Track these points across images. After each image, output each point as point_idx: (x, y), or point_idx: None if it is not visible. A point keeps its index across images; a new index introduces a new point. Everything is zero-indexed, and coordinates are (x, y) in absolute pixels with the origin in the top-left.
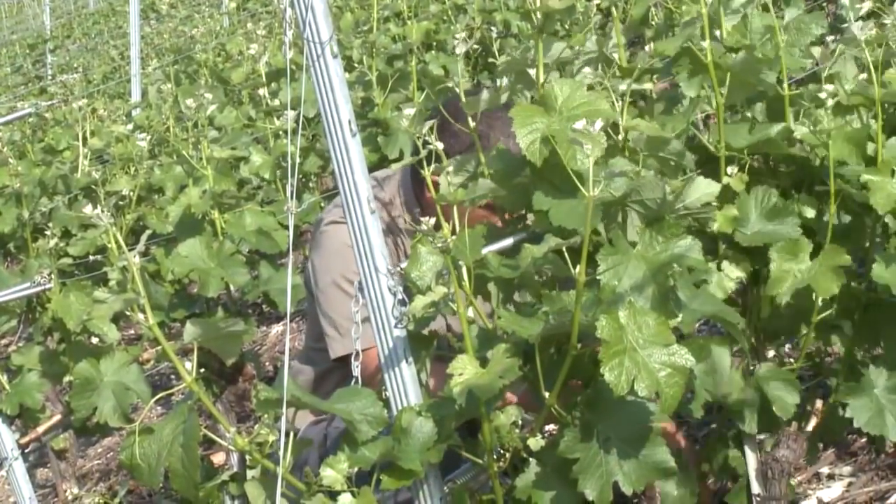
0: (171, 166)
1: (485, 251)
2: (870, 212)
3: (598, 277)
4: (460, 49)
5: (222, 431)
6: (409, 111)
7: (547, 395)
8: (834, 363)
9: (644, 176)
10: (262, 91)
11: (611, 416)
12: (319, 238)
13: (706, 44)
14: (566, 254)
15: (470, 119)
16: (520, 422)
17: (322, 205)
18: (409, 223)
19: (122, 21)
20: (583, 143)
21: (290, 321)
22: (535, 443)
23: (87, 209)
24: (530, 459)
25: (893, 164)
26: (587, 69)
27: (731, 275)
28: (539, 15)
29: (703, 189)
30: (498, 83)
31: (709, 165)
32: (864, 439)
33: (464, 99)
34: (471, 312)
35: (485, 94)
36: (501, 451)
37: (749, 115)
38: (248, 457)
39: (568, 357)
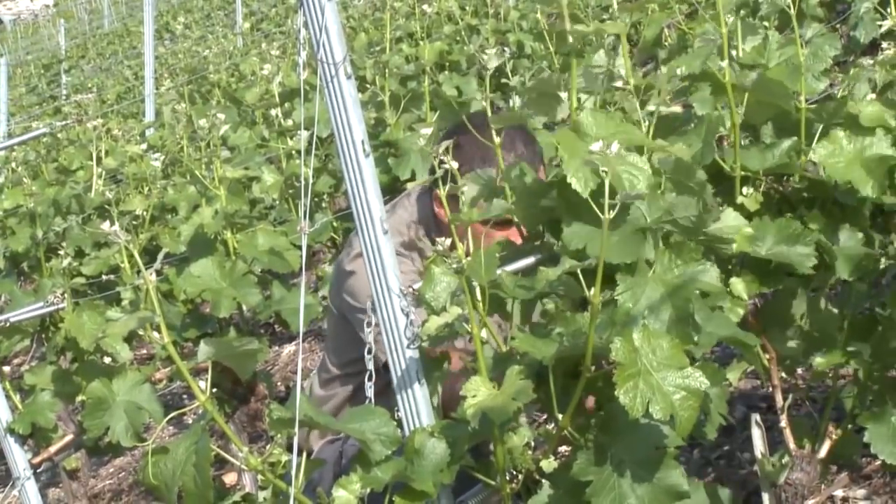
0: (184, 186)
1: (500, 271)
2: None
3: (615, 298)
4: (492, 63)
5: (235, 451)
6: (426, 131)
7: (560, 416)
8: (848, 385)
9: (674, 197)
10: (276, 111)
11: (624, 438)
12: (353, 276)
13: (724, 63)
14: (580, 275)
15: (494, 134)
16: (533, 443)
17: (334, 224)
18: (422, 240)
19: (136, 41)
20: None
21: (303, 341)
22: (548, 465)
23: (105, 226)
24: (543, 481)
25: None
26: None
27: (743, 294)
28: (572, 38)
29: (730, 221)
30: (511, 103)
31: (723, 185)
32: (878, 462)
33: (490, 113)
34: (485, 334)
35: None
36: (514, 473)
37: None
38: (260, 477)
39: (582, 379)
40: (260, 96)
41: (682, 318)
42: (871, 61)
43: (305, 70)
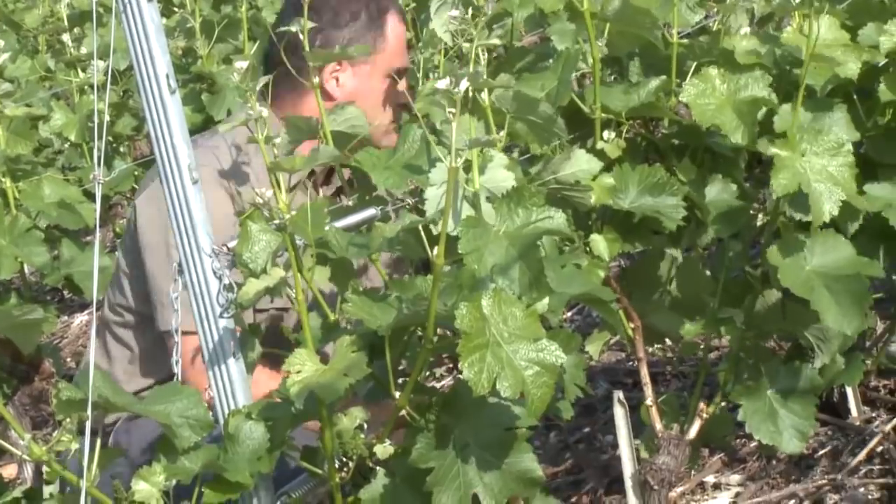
0: None
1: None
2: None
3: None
4: None
5: (15, 439)
6: (241, 65)
7: (397, 394)
8: (721, 359)
9: None
10: (65, 37)
11: (470, 419)
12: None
13: None
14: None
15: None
16: (365, 426)
17: (136, 172)
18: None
19: None
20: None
21: (97, 310)
22: (383, 450)
23: None
24: (377, 469)
25: (802, 137)
26: (452, 12)
27: (605, 254)
28: None
29: (582, 164)
30: None
31: (582, 129)
32: (753, 444)
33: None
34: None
35: None
36: (344, 460)
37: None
38: (45, 469)
39: (423, 351)
40: (43, 19)
41: (534, 274)
42: None
43: None
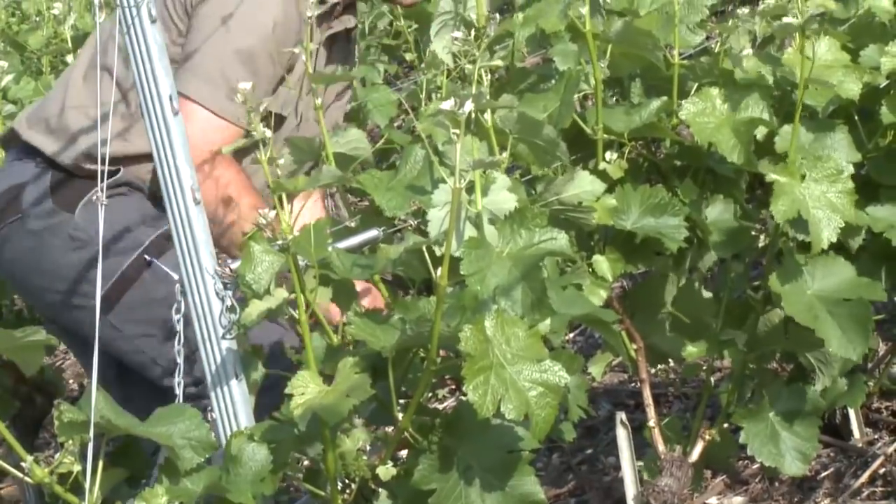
0: None
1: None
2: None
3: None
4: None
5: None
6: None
7: (401, 416)
8: (723, 381)
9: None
10: (68, 59)
11: (473, 441)
12: None
13: (584, 10)
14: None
15: None
16: (368, 447)
17: None
18: None
19: None
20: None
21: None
22: (386, 472)
23: None
24: (380, 490)
25: (801, 161)
26: (454, 34)
27: (607, 275)
28: None
29: (585, 186)
30: None
31: (585, 150)
32: (756, 466)
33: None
34: None
35: None
36: (346, 482)
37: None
38: (46, 491)
39: (426, 373)
40: (47, 41)
41: (537, 294)
42: (751, 12)
43: (102, 11)
